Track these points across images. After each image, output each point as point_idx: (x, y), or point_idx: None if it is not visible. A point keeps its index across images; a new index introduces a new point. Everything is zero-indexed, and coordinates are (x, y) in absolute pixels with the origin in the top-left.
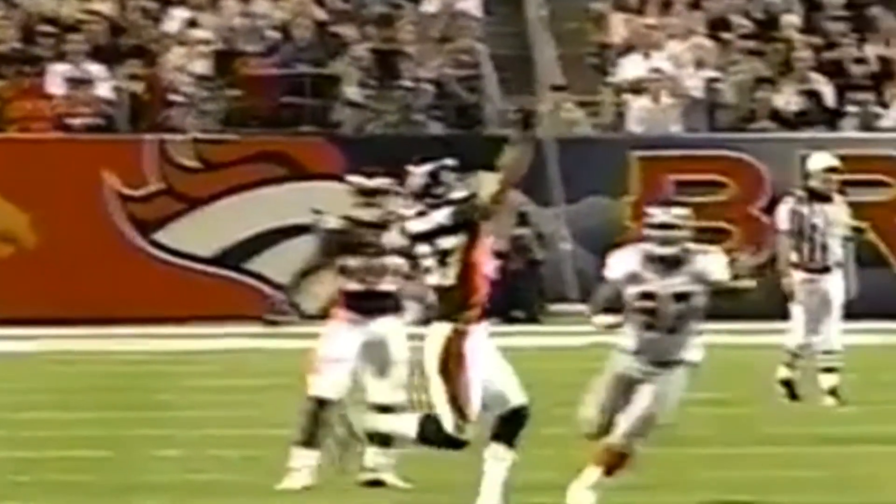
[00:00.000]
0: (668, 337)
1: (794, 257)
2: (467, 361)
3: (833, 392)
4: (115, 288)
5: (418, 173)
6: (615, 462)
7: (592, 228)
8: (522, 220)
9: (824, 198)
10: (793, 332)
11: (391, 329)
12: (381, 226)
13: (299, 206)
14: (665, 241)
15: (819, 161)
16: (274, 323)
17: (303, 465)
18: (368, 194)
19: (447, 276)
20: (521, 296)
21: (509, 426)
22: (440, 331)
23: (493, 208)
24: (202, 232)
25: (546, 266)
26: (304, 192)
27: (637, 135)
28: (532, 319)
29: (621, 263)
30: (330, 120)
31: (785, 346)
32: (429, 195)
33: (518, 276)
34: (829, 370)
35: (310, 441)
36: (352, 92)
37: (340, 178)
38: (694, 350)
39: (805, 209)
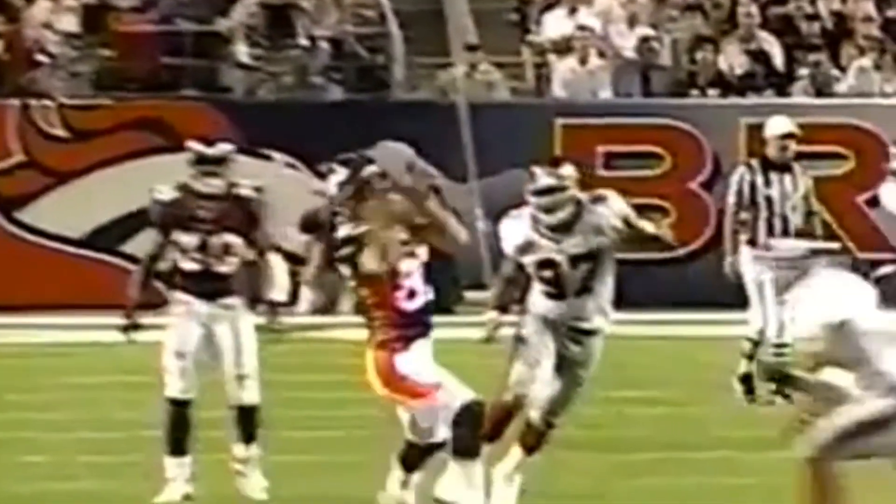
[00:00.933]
0: (577, 301)
1: (746, 234)
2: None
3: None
4: None
5: (336, 181)
6: (535, 442)
7: (511, 206)
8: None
9: (781, 167)
10: (752, 318)
11: (231, 314)
12: (222, 198)
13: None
14: (551, 208)
15: (775, 126)
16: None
17: (175, 475)
18: (208, 163)
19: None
20: (431, 283)
21: (463, 430)
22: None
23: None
24: (71, 210)
25: (460, 248)
26: (185, 167)
27: (562, 100)
28: (445, 309)
29: (513, 233)
30: (216, 83)
31: (746, 336)
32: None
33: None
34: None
35: (176, 448)
36: (240, 52)
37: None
38: (607, 314)
39: (759, 179)
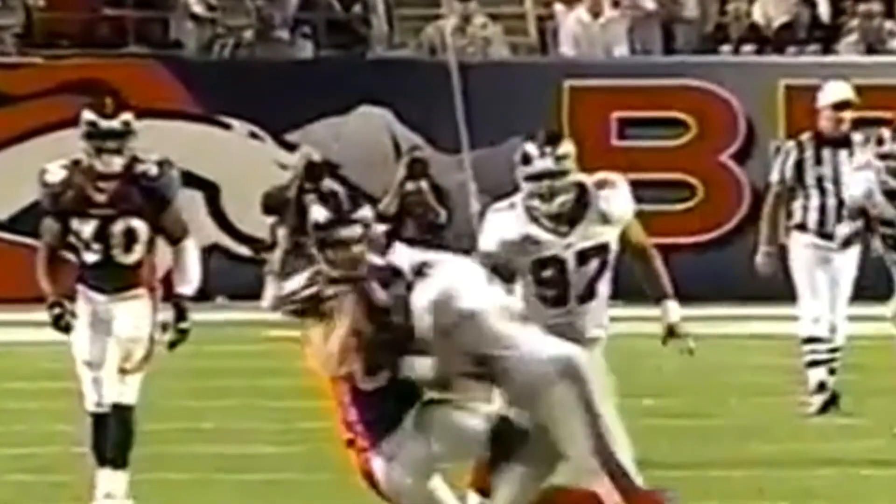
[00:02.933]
0: (580, 308)
1: (797, 217)
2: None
3: (822, 391)
4: None
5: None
6: None
7: (511, 182)
8: (417, 170)
9: (836, 142)
10: (804, 313)
11: (131, 310)
12: (121, 177)
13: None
14: (552, 195)
15: (828, 93)
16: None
17: (108, 491)
18: (106, 137)
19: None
20: None
21: None
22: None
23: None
24: None
25: (450, 231)
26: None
27: (570, 59)
28: None
29: (504, 228)
30: (165, 39)
31: (803, 336)
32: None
33: (413, 244)
34: (817, 363)
35: (104, 459)
36: (193, 2)
37: (180, 116)
38: (605, 320)
39: (808, 155)
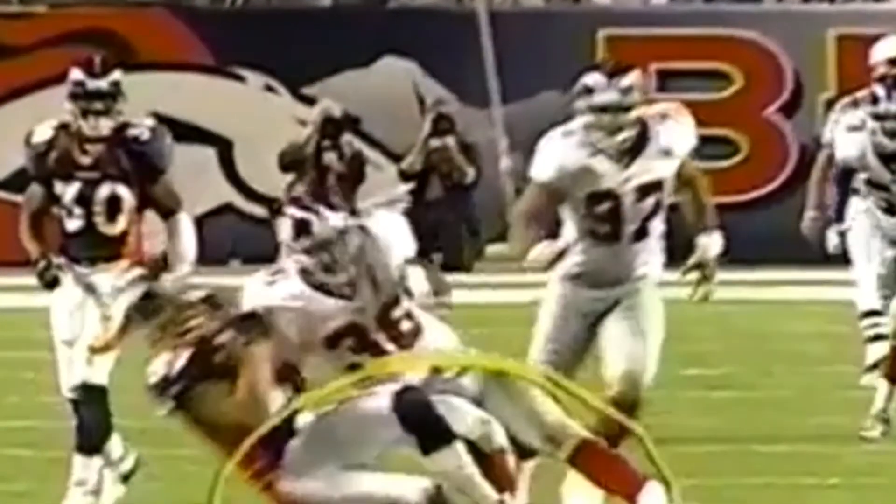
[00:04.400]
0: (632, 247)
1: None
2: None
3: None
4: None
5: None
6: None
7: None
8: (443, 125)
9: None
10: (861, 282)
11: (112, 283)
12: (108, 140)
13: (134, 106)
14: (615, 129)
15: (883, 48)
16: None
17: (82, 479)
18: (93, 97)
19: None
20: (443, 234)
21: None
22: None
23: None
24: None
25: (479, 192)
26: (139, 89)
27: (606, 7)
28: (460, 267)
29: (557, 156)
30: None
31: (862, 310)
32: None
33: (438, 206)
34: (880, 337)
35: (83, 445)
36: None
37: (191, 68)
38: (656, 260)
39: (868, 119)
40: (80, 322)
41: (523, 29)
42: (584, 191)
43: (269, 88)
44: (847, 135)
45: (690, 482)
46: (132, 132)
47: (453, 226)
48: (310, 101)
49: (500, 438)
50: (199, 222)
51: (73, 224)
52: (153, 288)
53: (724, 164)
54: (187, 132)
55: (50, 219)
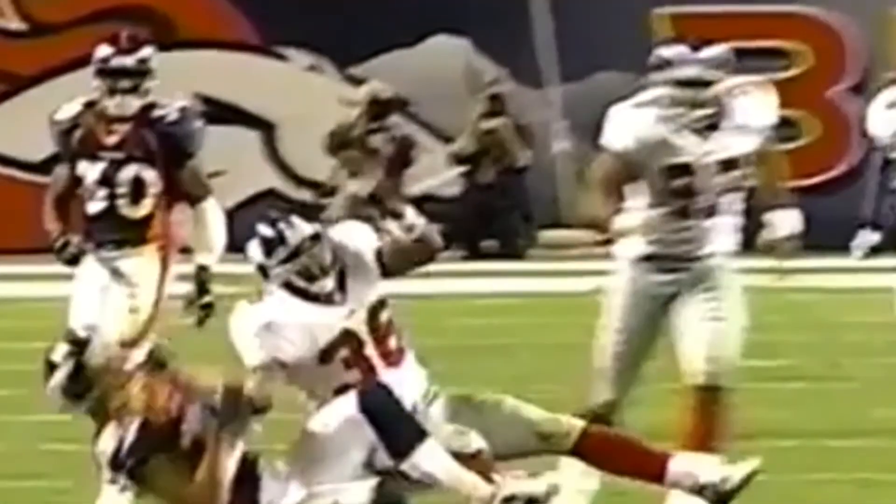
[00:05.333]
0: (704, 223)
1: None
2: None
3: None
4: None
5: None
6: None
7: (601, 119)
8: (496, 106)
9: None
10: None
11: (135, 270)
12: (134, 120)
13: (173, 86)
14: (697, 104)
15: None
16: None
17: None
18: (120, 75)
19: None
20: (496, 220)
21: None
22: None
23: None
24: (27, 125)
25: (533, 175)
26: (181, 68)
27: None
28: (513, 254)
29: (635, 127)
30: None
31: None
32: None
33: (491, 190)
34: None
35: None
36: None
37: (233, 46)
38: (727, 238)
39: None
40: (101, 310)
41: (580, 6)
42: (661, 163)
43: (314, 68)
44: (885, 113)
45: (759, 478)
46: (159, 112)
47: (506, 211)
48: (357, 81)
49: (479, 442)
50: (241, 208)
51: (95, 206)
52: (83, 360)
53: (787, 146)
54: (229, 114)
55: (77, 202)
